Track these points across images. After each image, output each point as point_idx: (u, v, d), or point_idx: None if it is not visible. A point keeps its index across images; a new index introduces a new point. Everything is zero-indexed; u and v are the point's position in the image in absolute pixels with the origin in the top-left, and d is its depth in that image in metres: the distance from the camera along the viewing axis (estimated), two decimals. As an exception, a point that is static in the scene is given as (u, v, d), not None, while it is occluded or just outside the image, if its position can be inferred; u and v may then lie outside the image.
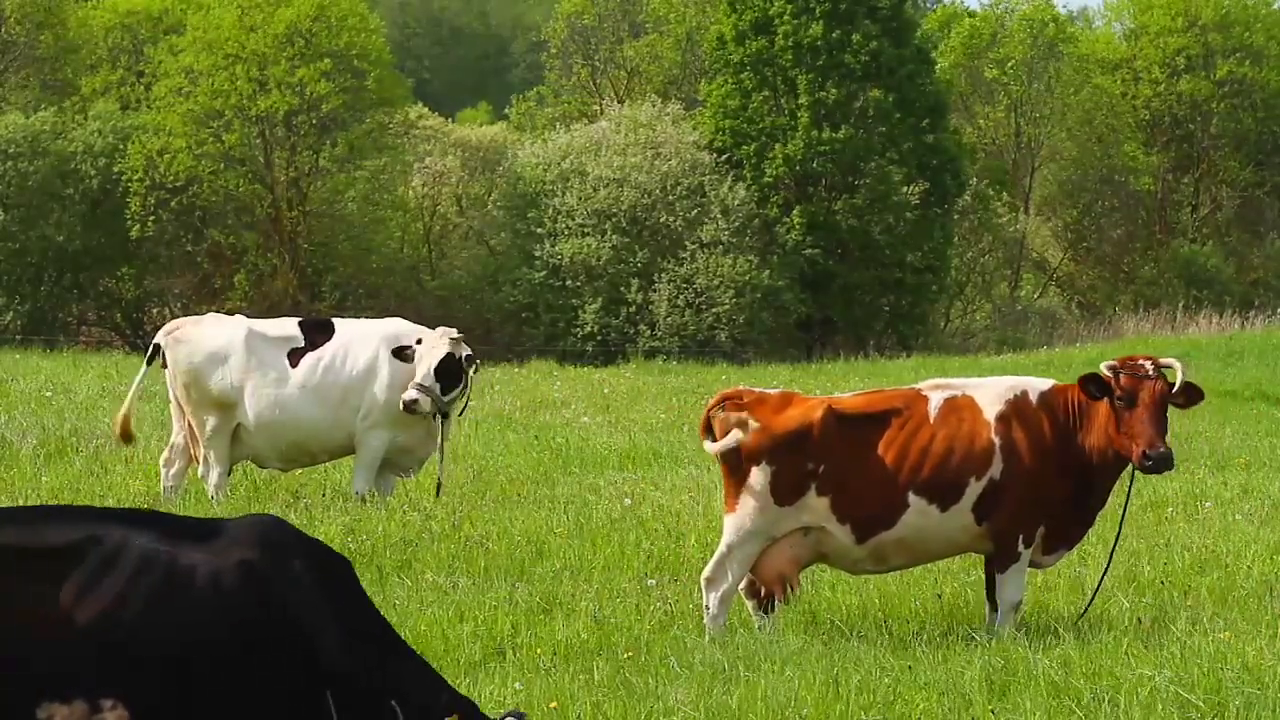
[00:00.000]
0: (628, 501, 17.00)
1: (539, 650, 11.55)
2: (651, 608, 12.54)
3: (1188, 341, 48.17)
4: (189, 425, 17.08)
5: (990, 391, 12.24)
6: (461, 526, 15.61)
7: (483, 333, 53.16)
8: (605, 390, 32.80)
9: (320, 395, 16.79)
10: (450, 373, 16.69)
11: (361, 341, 16.92)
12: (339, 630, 7.05)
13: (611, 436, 23.60)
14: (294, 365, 16.82)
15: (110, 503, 15.99)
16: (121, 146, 51.64)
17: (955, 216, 57.43)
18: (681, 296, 51.06)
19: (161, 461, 17.39)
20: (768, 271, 51.62)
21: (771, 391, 12.47)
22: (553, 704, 9.83)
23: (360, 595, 7.30)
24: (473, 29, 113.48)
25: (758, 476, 11.97)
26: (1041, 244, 65.34)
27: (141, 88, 56.72)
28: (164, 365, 17.31)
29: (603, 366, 44.56)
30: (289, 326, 17.24)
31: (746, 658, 10.91)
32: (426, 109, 61.70)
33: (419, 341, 16.73)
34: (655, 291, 51.20)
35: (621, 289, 51.49)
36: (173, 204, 51.13)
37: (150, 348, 17.38)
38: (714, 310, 50.88)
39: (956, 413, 12.07)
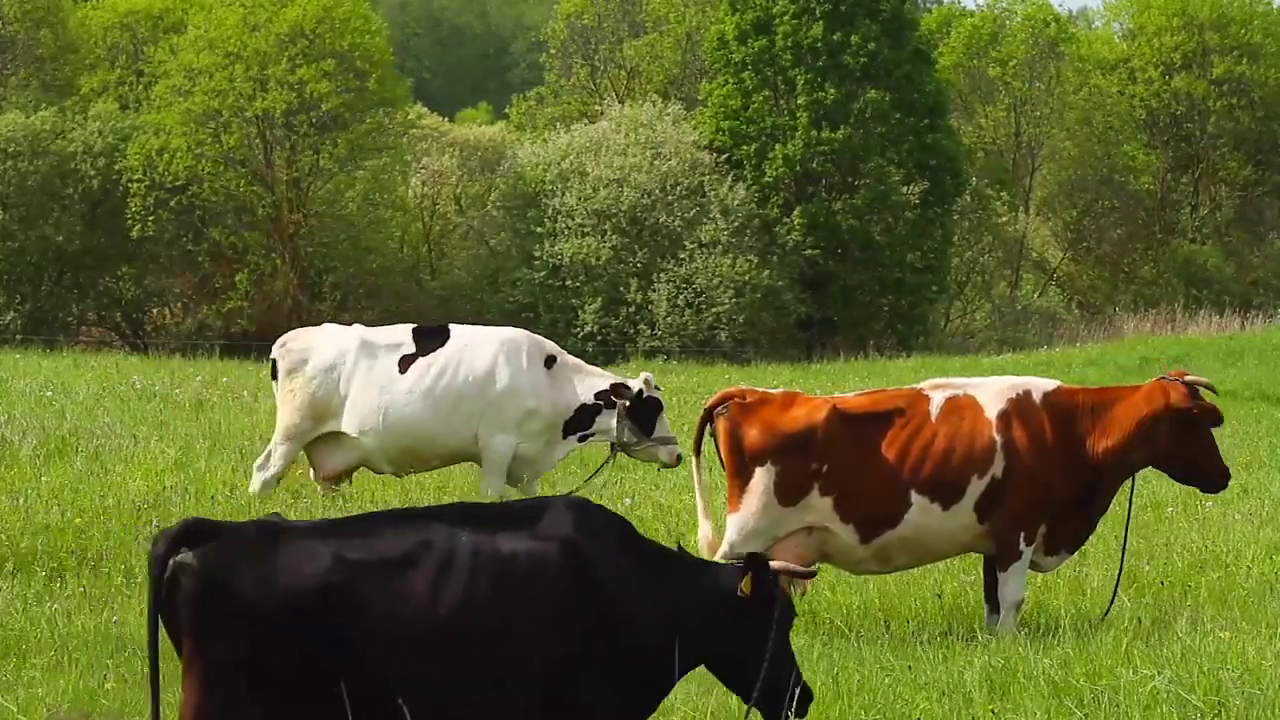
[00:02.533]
0: (628, 501, 17.00)
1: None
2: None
3: (1188, 341, 48.17)
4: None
5: (991, 390, 12.25)
6: (462, 526, 15.58)
7: (483, 333, 53.17)
8: (605, 390, 32.70)
9: (432, 400, 16.64)
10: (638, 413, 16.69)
11: (478, 347, 16.77)
12: (650, 600, 7.54)
13: (611, 436, 23.53)
14: (403, 371, 16.68)
15: (109, 503, 15.97)
16: (121, 146, 51.63)
17: (955, 216, 57.44)
18: (681, 296, 51.07)
19: (256, 466, 17.39)
20: (768, 271, 51.62)
21: (774, 391, 12.47)
22: (553, 704, 9.81)
23: (655, 553, 7.77)
24: (473, 29, 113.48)
25: (761, 477, 11.97)
26: (1041, 244, 65.35)
27: (141, 87, 56.70)
28: (274, 376, 17.27)
29: (603, 366, 44.48)
30: (401, 334, 17.17)
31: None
32: (426, 109, 61.68)
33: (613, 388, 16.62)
34: (655, 291, 51.20)
35: (621, 289, 51.50)
36: (172, 204, 51.12)
37: (271, 366, 17.37)
38: (714, 310, 50.88)
39: (958, 412, 12.09)
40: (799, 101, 53.53)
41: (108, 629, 11.90)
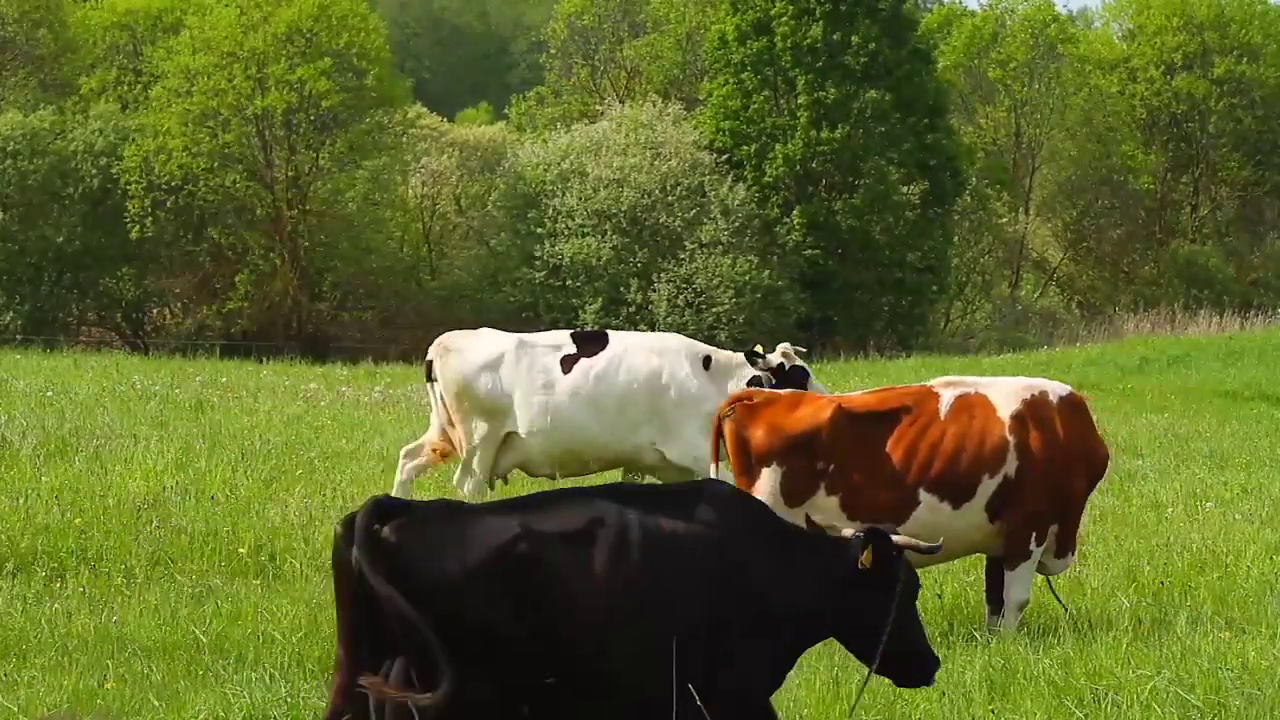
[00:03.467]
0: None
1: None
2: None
3: (1188, 341, 48.17)
4: (459, 434, 16.89)
5: (1005, 390, 12.22)
6: (462, 526, 15.57)
7: (483, 333, 53.19)
8: (605, 390, 32.70)
9: (594, 404, 16.57)
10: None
11: (637, 353, 16.68)
12: (786, 576, 7.94)
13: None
14: (566, 372, 16.58)
15: (109, 503, 15.97)
16: (121, 146, 51.63)
17: (955, 217, 57.44)
18: (681, 296, 51.08)
19: (403, 452, 17.35)
20: (768, 271, 51.63)
21: (781, 392, 12.45)
22: (553, 704, 9.81)
23: (786, 531, 8.18)
24: (473, 29, 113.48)
25: (768, 478, 11.96)
26: (1041, 244, 65.37)
27: (140, 87, 56.71)
28: (430, 379, 17.17)
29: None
30: (560, 337, 17.11)
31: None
32: (426, 109, 61.69)
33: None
34: (655, 291, 51.21)
35: (621, 289, 51.51)
36: (171, 204, 51.11)
37: (426, 366, 17.27)
38: (714, 310, 50.89)
39: (969, 410, 12.05)
40: (799, 101, 53.54)
41: (108, 629, 11.90)
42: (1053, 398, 12.18)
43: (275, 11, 51.88)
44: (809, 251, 52.99)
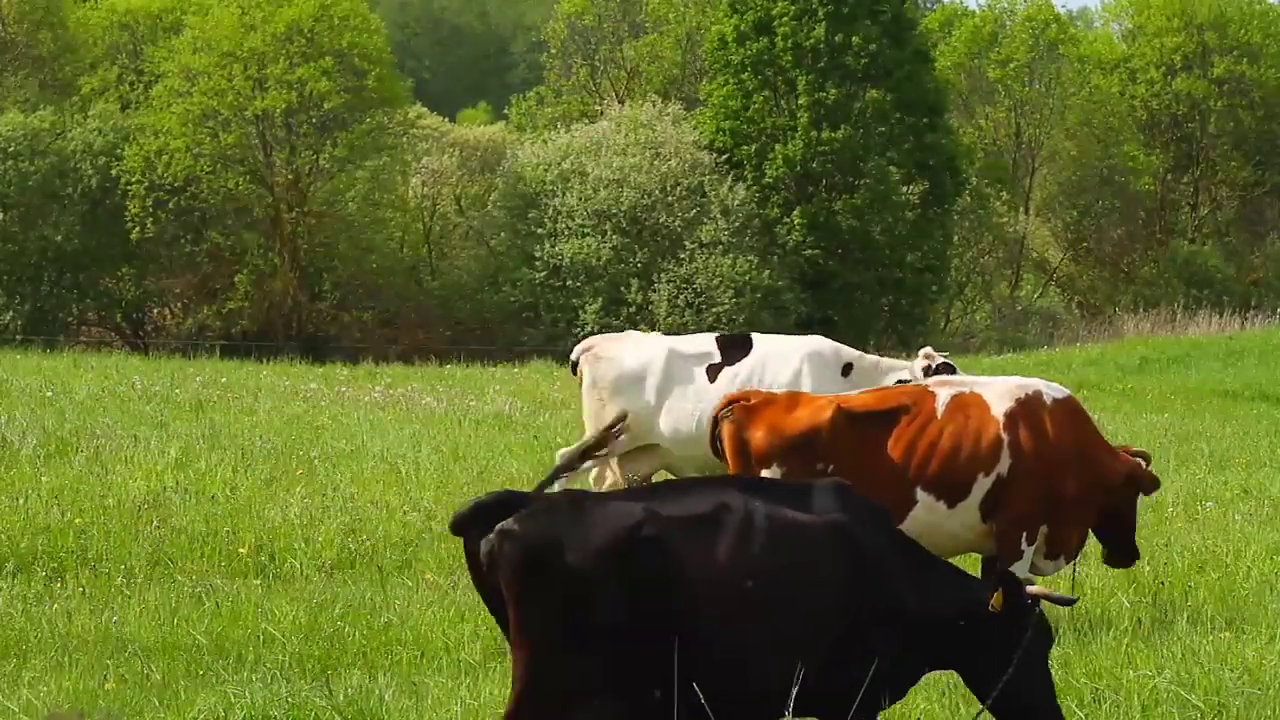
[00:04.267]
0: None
1: (539, 650, 11.53)
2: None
3: (1188, 341, 48.18)
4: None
5: (999, 389, 12.24)
6: (462, 526, 15.57)
7: (483, 333, 53.20)
8: (605, 390, 32.70)
9: None
10: None
11: (782, 358, 16.63)
12: (908, 588, 8.01)
13: (611, 436, 23.51)
14: (711, 380, 16.42)
15: (109, 503, 15.98)
16: (121, 146, 51.62)
17: (955, 216, 57.43)
18: (682, 296, 51.07)
19: (560, 453, 17.34)
20: (768, 271, 51.62)
21: (778, 393, 12.46)
22: (553, 704, 9.82)
23: (913, 546, 8.26)
24: (473, 29, 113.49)
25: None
26: (1041, 244, 65.38)
27: (141, 87, 56.70)
28: (579, 381, 17.11)
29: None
30: (706, 342, 17.05)
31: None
32: (426, 109, 61.68)
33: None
34: (655, 291, 51.20)
35: (621, 289, 51.49)
36: (171, 204, 51.11)
37: (571, 367, 17.20)
38: (714, 310, 50.87)
39: (964, 409, 12.07)
40: (800, 102, 53.53)
41: (108, 629, 11.91)
42: (1046, 399, 12.20)
43: (276, 11, 51.87)
44: (809, 251, 52.98)
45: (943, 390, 12.22)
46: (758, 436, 12.06)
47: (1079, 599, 8.64)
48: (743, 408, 12.17)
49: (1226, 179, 64.96)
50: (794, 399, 12.30)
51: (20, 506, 15.52)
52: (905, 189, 53.24)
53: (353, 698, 9.89)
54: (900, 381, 16.01)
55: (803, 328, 53.87)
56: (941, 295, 57.45)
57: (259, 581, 13.59)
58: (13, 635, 11.76)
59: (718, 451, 12.48)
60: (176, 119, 51.14)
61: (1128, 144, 63.89)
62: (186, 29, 53.83)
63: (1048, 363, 43.18)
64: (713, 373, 16.47)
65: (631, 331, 17.82)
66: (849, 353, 16.54)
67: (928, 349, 16.47)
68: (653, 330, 50.55)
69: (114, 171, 51.32)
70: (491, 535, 7.58)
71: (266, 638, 11.71)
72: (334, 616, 12.29)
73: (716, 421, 12.32)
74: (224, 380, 32.20)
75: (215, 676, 10.83)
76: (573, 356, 17.08)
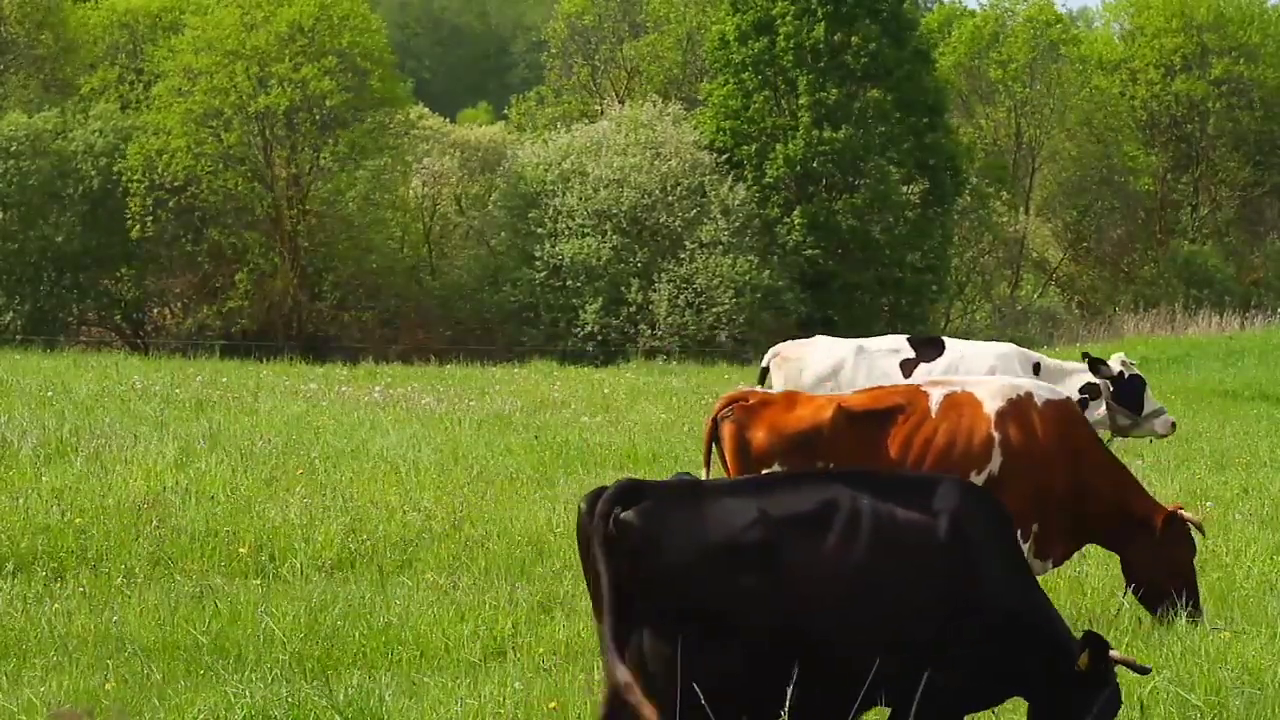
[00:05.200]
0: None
1: (539, 650, 11.55)
2: (651, 608, 12.50)
3: (1188, 341, 48.19)
4: None
5: (990, 387, 12.27)
6: (461, 526, 15.61)
7: (483, 333, 53.19)
8: (605, 390, 32.80)
9: None
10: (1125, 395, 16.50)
11: (975, 358, 16.59)
12: (1014, 572, 8.12)
13: (611, 436, 23.60)
14: (906, 376, 16.32)
15: (109, 503, 15.98)
16: (122, 146, 51.62)
17: (955, 216, 57.44)
18: (682, 296, 51.06)
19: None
20: (768, 271, 51.62)
21: (776, 392, 12.47)
22: (553, 704, 9.83)
23: (1014, 537, 8.35)
24: (473, 29, 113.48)
25: None
26: (1041, 244, 65.38)
27: (141, 87, 56.69)
28: (761, 383, 17.05)
29: (603, 366, 44.54)
30: (896, 341, 17.03)
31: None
32: (427, 109, 61.68)
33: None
34: (655, 291, 51.20)
35: (622, 289, 51.49)
36: (172, 204, 51.10)
37: (760, 372, 17.14)
38: (714, 310, 50.87)
39: (957, 408, 12.11)
40: (801, 102, 53.53)
41: (108, 629, 11.91)
42: (1037, 399, 12.22)
43: (277, 11, 51.87)
44: (809, 251, 52.98)
45: (936, 390, 12.27)
46: (758, 436, 12.07)
47: (1151, 669, 8.68)
48: (743, 408, 12.18)
49: (1226, 179, 64.96)
50: (792, 399, 12.32)
51: (20, 506, 15.52)
52: (905, 189, 53.25)
53: (353, 698, 9.89)
54: (1088, 385, 16.10)
55: (803, 328, 53.92)
56: (941, 295, 57.46)
57: (259, 581, 13.59)
58: (13, 635, 11.75)
59: (720, 452, 12.47)
60: (177, 118, 51.14)
61: (1128, 144, 63.90)
62: (186, 28, 53.81)
63: (1048, 363, 43.10)
64: (907, 368, 16.45)
65: (820, 336, 17.82)
66: (1034, 354, 16.62)
67: (1122, 355, 16.49)
68: (652, 329, 50.69)
69: (115, 171, 51.30)
70: (611, 522, 7.72)
71: (266, 638, 11.71)
72: (334, 616, 12.28)
73: (717, 422, 12.33)
74: (224, 380, 32.21)
75: (215, 676, 10.83)
76: (763, 364, 17.00)
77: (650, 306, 51.16)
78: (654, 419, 26.78)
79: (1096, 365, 16.21)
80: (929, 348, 16.74)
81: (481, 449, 21.70)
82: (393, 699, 9.99)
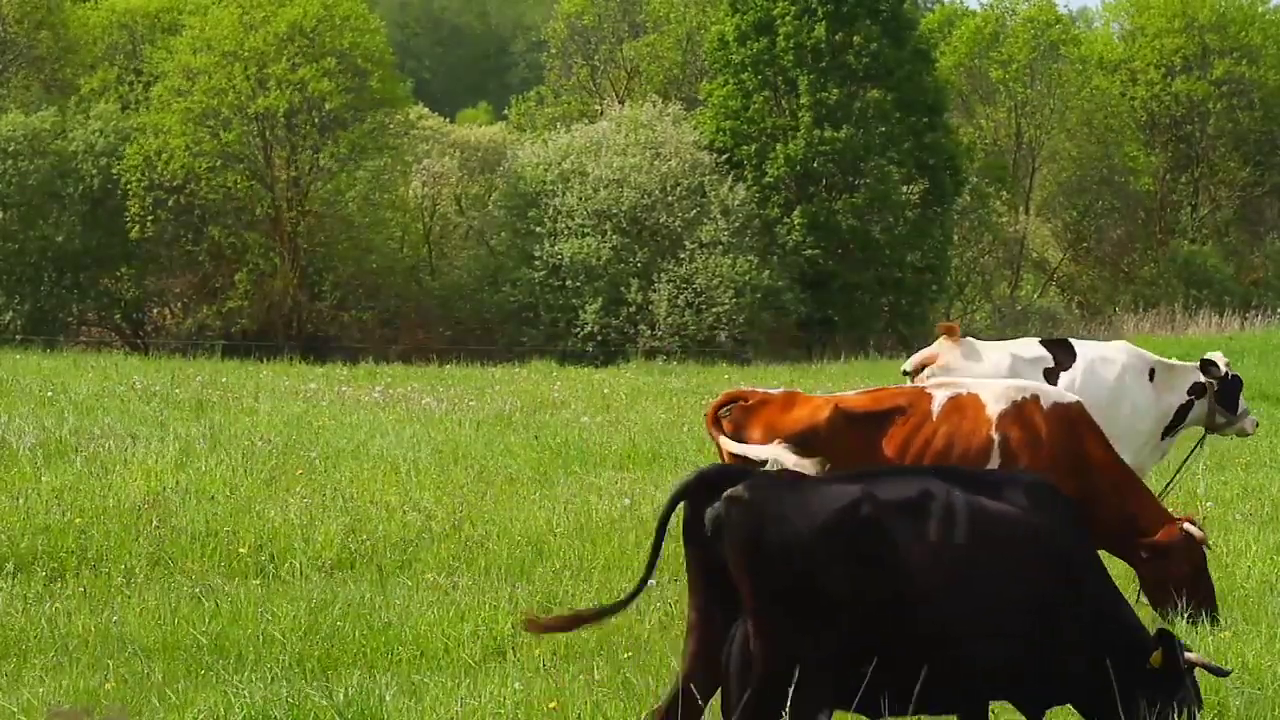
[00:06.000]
0: (627, 501, 16.99)
1: (539, 650, 11.55)
2: (651, 608, 12.53)
3: (1188, 341, 48.13)
4: None
5: (996, 390, 12.23)
6: (461, 526, 15.61)
7: (483, 333, 53.19)
8: (605, 390, 32.79)
9: None
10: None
11: (1104, 362, 16.55)
12: (1095, 569, 8.36)
13: (611, 436, 23.59)
14: (1053, 383, 16.11)
15: (109, 503, 15.98)
16: (121, 146, 51.62)
17: (955, 216, 57.44)
18: (681, 296, 51.06)
19: None
20: (768, 271, 51.63)
21: (775, 392, 12.46)
22: (553, 704, 9.83)
23: (1087, 535, 8.58)
24: (473, 29, 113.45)
25: None
26: (1041, 244, 65.37)
27: (141, 87, 56.69)
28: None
29: (603, 366, 44.54)
30: (1035, 346, 17.06)
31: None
32: (427, 110, 61.68)
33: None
34: (655, 291, 51.20)
35: (621, 289, 51.49)
36: (171, 204, 51.10)
37: (910, 372, 17.10)
38: (714, 310, 50.87)
39: (960, 410, 12.07)
40: (801, 102, 53.54)
41: (108, 629, 11.91)
42: (1043, 402, 12.17)
43: (277, 11, 51.87)
44: (809, 251, 52.98)
45: (940, 391, 12.24)
46: (755, 436, 12.05)
47: (1232, 671, 8.76)
48: (741, 408, 12.17)
49: (1226, 179, 64.96)
50: (791, 399, 12.29)
51: (20, 506, 15.52)
52: (905, 189, 53.25)
53: (353, 698, 9.89)
54: (1196, 385, 16.18)
55: (803, 328, 53.94)
56: (941, 295, 57.46)
57: (259, 581, 13.59)
58: (13, 635, 11.75)
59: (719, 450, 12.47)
60: (177, 118, 51.14)
61: (1128, 144, 63.89)
62: (186, 29, 53.82)
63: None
64: (1050, 375, 16.50)
65: (966, 338, 17.78)
66: (1150, 357, 16.69)
67: (1218, 353, 16.58)
68: (652, 329, 50.69)
69: (114, 171, 51.31)
70: (719, 503, 7.81)
71: (266, 638, 11.71)
72: (334, 616, 12.28)
73: (717, 421, 12.31)
74: (224, 380, 32.21)
75: (215, 676, 10.83)
76: (908, 368, 16.96)
77: (650, 306, 51.15)
78: (654, 419, 26.77)
79: (1208, 366, 16.35)
80: (1063, 352, 16.81)
81: (481, 449, 21.70)
82: (393, 699, 9.99)
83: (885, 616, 7.86)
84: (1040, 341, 16.97)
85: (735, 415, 12.15)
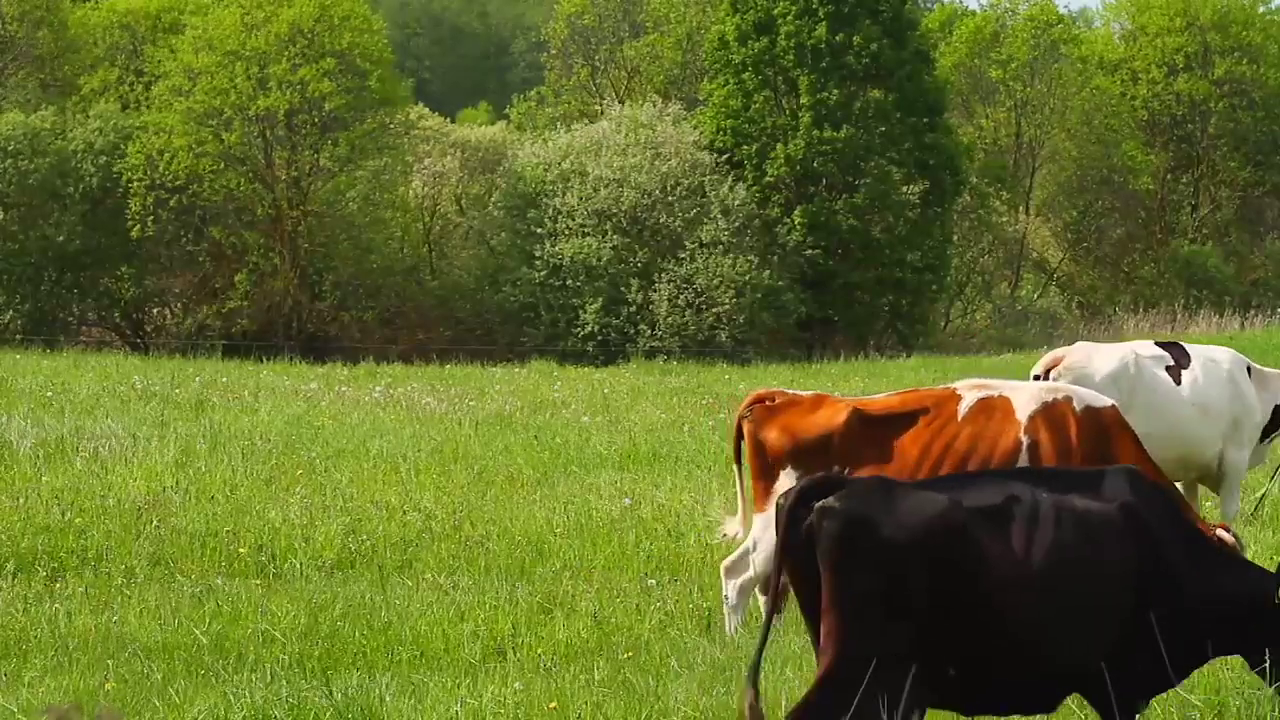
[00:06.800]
0: (628, 501, 17.00)
1: (539, 650, 11.55)
2: (651, 608, 12.53)
3: (1188, 341, 48.15)
4: None
5: (1028, 392, 12.12)
6: (461, 526, 15.61)
7: (483, 333, 53.20)
8: (605, 390, 32.80)
9: (1205, 413, 16.53)
10: None
11: (1214, 363, 16.64)
12: (1192, 557, 8.42)
13: (611, 436, 23.60)
14: (1177, 383, 16.58)
15: (110, 503, 15.98)
16: (122, 146, 51.62)
17: (955, 216, 57.44)
18: (682, 296, 51.07)
19: None
20: (768, 271, 51.63)
21: (804, 394, 12.39)
22: (552, 704, 9.83)
23: (1199, 533, 8.66)
24: (473, 29, 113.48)
25: (785, 481, 11.92)
26: (1041, 244, 65.37)
27: (141, 87, 56.70)
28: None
29: (603, 366, 44.54)
30: (1153, 347, 17.13)
31: (747, 658, 10.91)
32: (427, 109, 61.69)
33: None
34: (655, 291, 51.20)
35: (622, 289, 51.49)
36: (172, 203, 51.10)
37: (1040, 375, 17.10)
38: (714, 310, 50.88)
39: (987, 412, 11.95)
40: (802, 102, 53.55)
41: (108, 629, 11.91)
42: (1076, 405, 12.04)
43: (277, 12, 51.88)
44: (809, 251, 52.99)
45: (970, 393, 12.11)
46: (772, 438, 12.01)
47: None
48: (763, 409, 12.13)
49: (1226, 179, 64.96)
50: (818, 401, 12.21)
51: (20, 506, 15.53)
52: (905, 189, 53.26)
53: (353, 698, 9.89)
54: None
55: (803, 328, 53.95)
56: (941, 295, 57.46)
57: (259, 581, 13.60)
58: (13, 635, 11.76)
59: (739, 450, 12.41)
60: (178, 117, 51.16)
61: (1128, 144, 63.89)
62: (188, 29, 53.83)
63: (1048, 363, 43.09)
64: (1172, 374, 16.60)
65: (1082, 342, 17.85)
66: (1243, 358, 16.83)
67: None
68: (652, 329, 50.69)
69: (115, 170, 51.30)
70: (812, 512, 8.05)
71: (266, 638, 11.71)
72: (334, 616, 12.29)
73: (740, 421, 12.28)
74: (224, 380, 32.22)
75: (215, 676, 10.83)
76: (1036, 371, 16.96)
77: (650, 306, 51.16)
78: (654, 419, 26.77)
79: None
80: (1179, 353, 16.90)
81: (481, 449, 21.71)
82: (393, 699, 9.99)
83: (972, 620, 8.04)
84: (1155, 343, 17.13)
85: (756, 416, 12.11)
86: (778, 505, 8.24)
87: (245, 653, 11.41)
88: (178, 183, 50.95)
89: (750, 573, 11.98)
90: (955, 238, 57.60)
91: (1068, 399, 12.03)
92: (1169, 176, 64.84)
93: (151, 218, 50.91)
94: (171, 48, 53.81)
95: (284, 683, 10.35)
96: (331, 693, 9.96)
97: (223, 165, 51.32)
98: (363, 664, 11.31)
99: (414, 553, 14.65)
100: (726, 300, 50.79)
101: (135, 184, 50.96)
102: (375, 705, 9.84)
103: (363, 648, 11.66)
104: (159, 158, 50.97)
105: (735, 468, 12.47)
